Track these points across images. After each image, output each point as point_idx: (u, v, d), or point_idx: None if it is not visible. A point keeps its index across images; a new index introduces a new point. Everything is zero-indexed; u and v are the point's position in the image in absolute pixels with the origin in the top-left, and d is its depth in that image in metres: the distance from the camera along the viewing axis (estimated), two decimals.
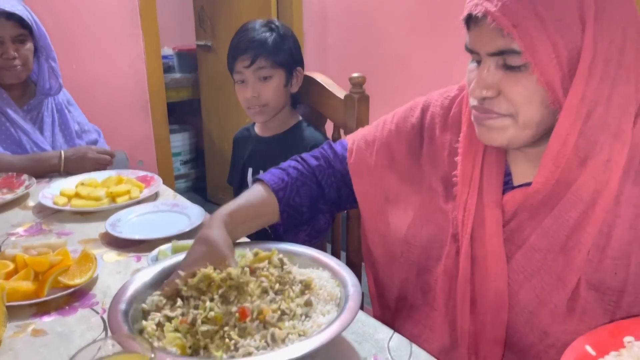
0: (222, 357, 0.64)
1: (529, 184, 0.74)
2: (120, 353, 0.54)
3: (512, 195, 0.75)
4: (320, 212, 0.94)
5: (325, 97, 1.39)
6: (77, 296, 0.89)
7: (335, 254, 1.43)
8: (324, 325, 0.70)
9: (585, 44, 0.64)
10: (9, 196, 1.31)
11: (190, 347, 0.66)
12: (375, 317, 0.95)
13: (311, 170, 0.93)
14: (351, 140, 0.96)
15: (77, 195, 1.30)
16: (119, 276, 0.96)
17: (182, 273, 0.75)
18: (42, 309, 0.86)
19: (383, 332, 0.78)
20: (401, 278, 0.86)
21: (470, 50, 0.73)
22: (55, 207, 1.24)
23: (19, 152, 1.56)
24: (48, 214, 1.25)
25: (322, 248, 1.39)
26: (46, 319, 0.83)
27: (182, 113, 3.74)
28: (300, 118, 1.43)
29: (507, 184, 0.78)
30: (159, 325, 0.69)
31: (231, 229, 0.84)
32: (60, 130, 1.70)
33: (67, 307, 0.86)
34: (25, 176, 1.41)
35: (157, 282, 0.80)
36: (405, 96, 1.01)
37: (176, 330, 0.67)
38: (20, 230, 1.17)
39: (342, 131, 1.39)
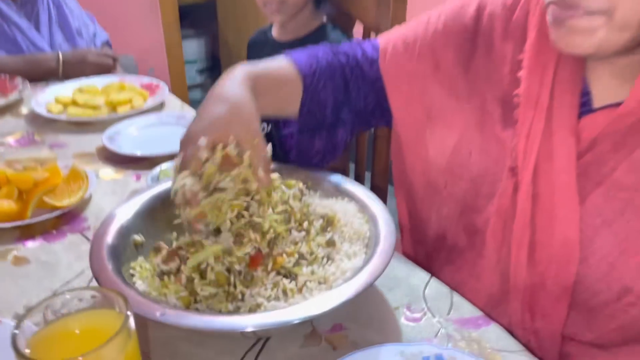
0: (227, 307, 0.53)
1: (616, 105, 0.57)
2: (90, 308, 0.42)
3: (592, 120, 0.59)
4: (342, 122, 0.78)
5: None
6: (66, 219, 0.78)
7: (359, 176, 1.31)
8: (349, 272, 0.57)
9: None
10: (0, 101, 1.18)
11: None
12: (405, 253, 0.83)
13: (341, 66, 0.76)
14: (385, 40, 0.77)
15: (74, 103, 1.17)
16: (115, 197, 0.85)
17: (203, 141, 0.57)
18: (26, 233, 0.75)
19: (418, 276, 0.66)
20: (442, 214, 0.72)
21: None
22: (50, 115, 1.12)
23: (14, 52, 1.42)
24: (41, 123, 1.12)
25: (344, 169, 1.25)
26: (30, 244, 0.73)
27: (197, 18, 3.49)
28: (325, 20, 1.23)
29: (585, 106, 0.61)
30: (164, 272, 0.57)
31: (254, 97, 0.65)
32: (58, 27, 1.53)
33: (54, 232, 0.76)
34: (18, 79, 1.28)
35: (155, 208, 0.68)
36: None
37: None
38: (10, 140, 1.05)
39: (373, 35, 1.20)
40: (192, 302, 0.53)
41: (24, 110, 1.19)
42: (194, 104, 1.28)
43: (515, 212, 0.62)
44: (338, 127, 0.77)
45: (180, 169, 0.57)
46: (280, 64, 0.74)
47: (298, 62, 0.74)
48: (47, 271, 0.68)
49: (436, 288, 0.65)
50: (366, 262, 0.56)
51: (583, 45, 0.55)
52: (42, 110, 1.13)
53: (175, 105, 1.22)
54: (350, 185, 0.70)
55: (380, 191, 1.21)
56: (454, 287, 0.67)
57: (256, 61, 0.72)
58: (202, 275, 0.55)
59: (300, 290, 0.55)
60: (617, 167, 0.57)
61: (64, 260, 0.70)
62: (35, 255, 0.71)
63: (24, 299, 0.63)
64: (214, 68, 3.58)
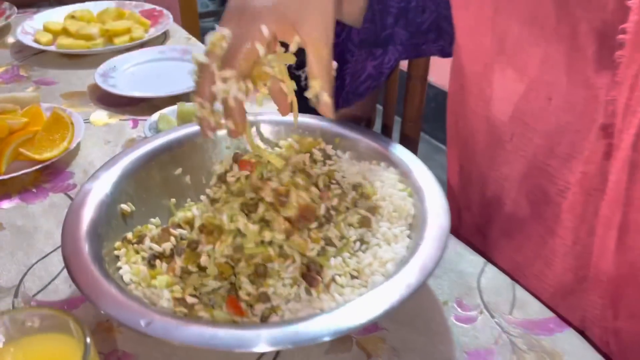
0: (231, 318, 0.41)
1: None
2: (43, 331, 0.31)
3: None
4: (395, 39, 0.63)
5: None
6: (47, 174, 0.66)
7: (387, 120, 1.17)
8: (390, 264, 0.45)
9: None
10: None
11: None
12: (452, 224, 0.70)
13: None
14: None
15: (65, 32, 1.02)
16: (108, 148, 0.72)
17: (265, 29, 0.43)
18: (0, 189, 0.64)
19: (470, 261, 0.54)
20: (503, 174, 0.58)
21: None
22: (37, 46, 0.97)
23: None
24: (28, 55, 0.98)
25: (370, 117, 1.11)
26: (5, 204, 0.62)
27: None
28: None
29: None
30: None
31: None
32: None
33: (33, 190, 0.64)
34: (6, 4, 1.12)
35: (149, 168, 0.55)
36: None
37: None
38: None
39: None
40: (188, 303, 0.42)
41: (10, 39, 1.04)
42: (205, 34, 1.12)
43: (605, 184, 0.48)
44: (389, 45, 0.63)
45: (224, 60, 0.43)
46: None
47: None
48: (22, 241, 0.57)
49: (494, 277, 0.52)
50: (413, 250, 0.44)
51: None
52: (28, 41, 0.99)
53: (181, 38, 1.07)
54: (387, 145, 0.56)
55: (410, 143, 1.07)
56: (513, 270, 0.55)
57: None
58: (201, 266, 0.43)
59: (327, 288, 0.42)
60: None
61: (43, 227, 0.58)
62: (10, 218, 0.60)
63: None
64: None
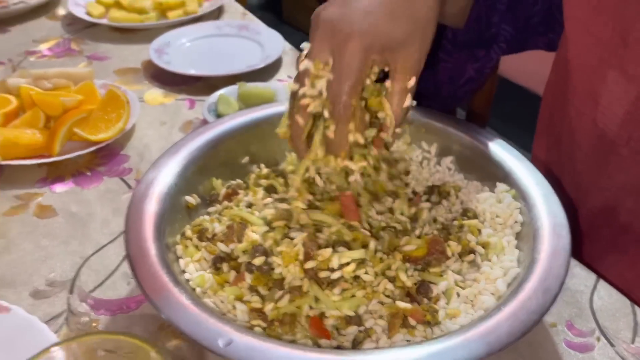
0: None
1: None
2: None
3: None
4: (500, 38, 0.55)
5: None
6: (102, 157, 0.62)
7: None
8: (500, 281, 0.38)
9: None
10: (33, 0, 1.00)
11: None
12: None
13: None
14: None
15: (117, 5, 0.97)
16: (164, 130, 0.67)
17: (356, 51, 0.37)
18: (54, 172, 0.60)
19: (578, 277, 0.47)
20: (618, 182, 0.50)
21: None
22: (89, 19, 0.93)
23: None
24: (80, 28, 0.94)
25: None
26: (58, 188, 0.58)
27: None
28: None
29: None
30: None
31: None
32: None
33: (88, 173, 0.60)
34: None
35: (215, 156, 0.50)
36: None
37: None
38: (43, 48, 0.88)
39: None
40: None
41: (61, 11, 1.00)
42: (253, 10, 1.06)
43: None
44: (493, 44, 0.55)
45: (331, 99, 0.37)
46: None
47: None
48: (76, 229, 0.52)
49: (608, 296, 0.45)
50: (529, 267, 0.37)
51: None
52: (80, 13, 0.94)
53: (236, 12, 1.01)
54: (485, 137, 0.49)
55: (480, 119, 0.99)
56: (626, 288, 0.47)
57: None
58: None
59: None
60: None
61: (99, 215, 0.54)
62: (64, 204, 0.55)
63: (46, 270, 0.48)
64: None
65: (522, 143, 0.93)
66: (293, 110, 0.39)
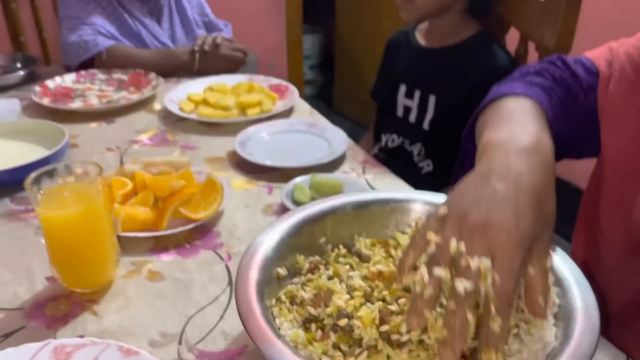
0: None
1: None
2: None
3: None
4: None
5: None
6: (198, 233, 0.74)
7: None
8: (540, 353, 0.46)
9: None
10: (135, 96, 1.19)
11: None
12: None
13: (561, 100, 0.62)
14: (604, 61, 0.63)
15: (205, 102, 1.15)
16: (248, 211, 0.79)
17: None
18: (160, 244, 0.72)
19: (611, 356, 0.54)
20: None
21: None
22: (181, 114, 1.10)
23: (140, 47, 1.43)
24: (173, 121, 1.11)
25: None
26: (164, 257, 0.69)
27: (314, 12, 3.46)
28: (480, 29, 1.10)
29: None
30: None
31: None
32: (179, 21, 1.54)
33: (187, 246, 0.72)
34: (152, 75, 1.29)
35: (299, 236, 0.60)
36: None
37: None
38: (144, 137, 1.04)
39: (531, 45, 1.06)
40: None
41: (157, 106, 1.19)
42: (307, 99, 1.22)
43: None
44: None
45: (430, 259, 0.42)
46: (528, 108, 0.56)
47: (541, 102, 0.58)
48: (181, 292, 0.63)
49: None
50: (563, 343, 0.45)
51: None
52: (174, 108, 1.12)
53: (305, 111, 1.16)
54: None
55: None
56: None
57: (510, 116, 0.55)
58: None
59: None
60: None
61: (198, 280, 0.65)
62: (170, 270, 0.67)
63: (158, 324, 0.58)
64: (326, 64, 3.55)
65: (564, 233, 1.00)
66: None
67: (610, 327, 0.62)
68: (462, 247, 0.42)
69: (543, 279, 0.43)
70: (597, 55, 0.64)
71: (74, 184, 0.61)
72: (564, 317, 0.48)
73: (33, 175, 0.59)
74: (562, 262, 0.54)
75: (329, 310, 0.49)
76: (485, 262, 0.41)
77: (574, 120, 0.62)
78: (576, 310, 0.48)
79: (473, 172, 0.47)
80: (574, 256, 0.71)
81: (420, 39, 1.16)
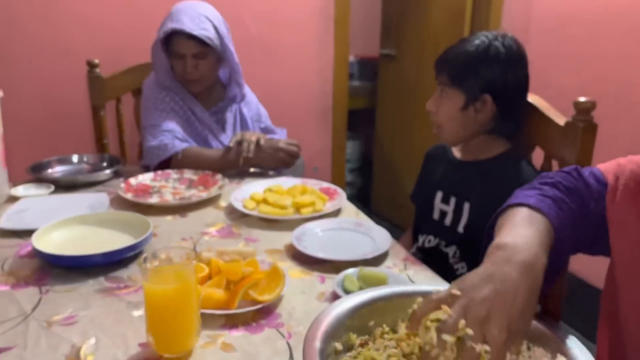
0: None
1: None
2: None
3: None
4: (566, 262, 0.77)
5: (537, 122, 1.21)
6: (263, 313, 0.86)
7: None
8: None
9: None
10: (204, 194, 1.37)
11: None
12: None
13: (574, 210, 0.74)
14: (612, 175, 0.76)
15: (265, 201, 1.31)
16: (304, 297, 0.92)
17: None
18: (231, 321, 0.84)
19: None
20: None
21: None
22: (245, 210, 1.27)
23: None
24: (237, 216, 1.27)
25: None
26: (234, 333, 0.82)
27: (355, 121, 3.75)
28: (509, 147, 1.25)
29: None
30: None
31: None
32: (240, 127, 1.78)
33: (253, 324, 0.84)
34: (219, 176, 1.48)
35: (352, 318, 0.72)
36: (626, 124, 0.79)
37: None
38: (212, 230, 1.20)
39: (554, 163, 1.20)
40: None
41: (223, 203, 1.36)
42: None
43: None
44: (562, 269, 0.77)
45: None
46: (536, 220, 0.69)
47: (550, 217, 0.70)
48: (249, 359, 0.75)
49: None
50: None
51: None
52: (239, 205, 1.29)
53: (351, 212, 1.31)
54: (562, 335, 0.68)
55: (553, 315, 1.14)
56: None
57: (520, 225, 0.69)
58: None
59: None
60: None
61: (263, 354, 0.77)
62: (239, 344, 0.79)
63: None
64: (364, 168, 3.77)
65: (589, 333, 1.06)
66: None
67: None
68: (470, 331, 0.56)
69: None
70: (607, 168, 0.77)
71: (174, 265, 0.75)
72: None
73: (144, 255, 0.74)
74: (578, 351, 0.63)
75: None
76: (486, 347, 0.55)
77: (586, 224, 0.74)
78: None
79: (481, 268, 0.62)
80: (600, 354, 0.79)
81: (456, 152, 1.33)
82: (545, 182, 0.77)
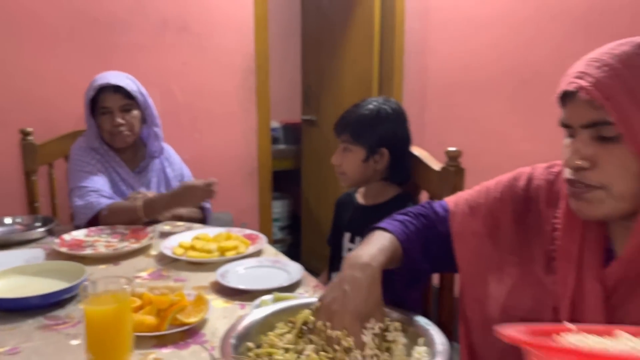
0: None
1: None
2: None
3: (612, 269, 0.76)
4: (425, 272, 0.98)
5: (421, 169, 1.47)
6: (190, 333, 1.00)
7: None
8: None
9: None
10: (136, 245, 1.50)
11: None
12: None
13: (422, 228, 0.97)
14: (453, 203, 1.00)
15: (193, 248, 1.46)
16: (225, 320, 1.07)
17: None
18: (162, 341, 0.97)
19: None
20: (500, 348, 0.87)
21: (565, 125, 0.78)
22: (174, 256, 1.40)
23: None
24: (167, 262, 1.41)
25: None
26: (164, 350, 0.95)
27: (283, 182, 3.98)
28: (401, 191, 1.50)
29: (611, 259, 0.78)
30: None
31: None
32: (165, 189, 1.92)
33: (181, 342, 0.98)
34: (150, 228, 1.61)
35: (266, 324, 0.89)
36: (502, 171, 1.05)
37: None
38: (144, 274, 1.33)
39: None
40: None
41: (154, 252, 1.49)
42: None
43: None
44: (423, 276, 0.98)
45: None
46: (383, 237, 0.93)
47: (395, 232, 0.94)
48: None
49: None
50: None
51: (594, 212, 0.75)
52: (168, 252, 1.42)
53: (271, 252, 1.49)
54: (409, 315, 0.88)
55: (445, 327, 1.35)
56: None
57: (368, 242, 0.92)
58: None
59: None
60: (632, 308, 0.73)
61: None
62: (169, 357, 0.92)
63: None
64: (294, 226, 3.96)
65: None
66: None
67: None
68: (329, 324, 0.79)
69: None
70: (450, 198, 1.02)
71: (112, 290, 0.89)
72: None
73: (85, 283, 0.87)
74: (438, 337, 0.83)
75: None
76: (338, 332, 0.78)
77: (436, 241, 0.97)
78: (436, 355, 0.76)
79: (336, 277, 0.86)
80: (462, 350, 0.99)
81: (360, 198, 1.56)
82: (399, 212, 1.01)
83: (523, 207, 0.90)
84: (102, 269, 1.37)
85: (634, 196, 0.72)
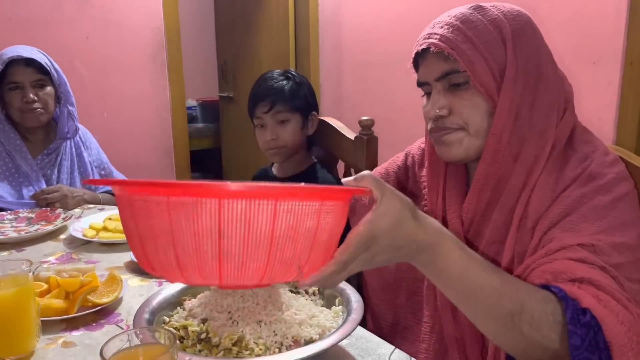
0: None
1: None
2: (144, 344, 0.61)
3: (466, 203, 0.84)
4: None
5: (337, 139, 1.49)
6: (103, 314, 0.97)
7: None
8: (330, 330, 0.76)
9: (508, 59, 0.79)
10: (49, 227, 1.41)
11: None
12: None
13: None
14: (383, 170, 1.09)
15: (105, 229, 1.40)
16: (142, 298, 1.03)
17: None
18: (72, 324, 0.93)
19: (384, 347, 0.84)
20: (395, 304, 0.92)
21: (421, 83, 0.89)
22: (85, 238, 1.34)
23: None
24: (78, 245, 1.34)
25: None
26: (75, 333, 0.91)
27: (204, 161, 3.89)
28: (315, 160, 1.53)
29: None
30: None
31: None
32: (78, 173, 1.80)
33: (94, 324, 0.94)
34: (60, 210, 1.52)
35: (177, 297, 0.87)
36: (414, 139, 1.11)
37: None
38: (52, 258, 1.26)
39: (352, 171, 1.48)
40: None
41: (62, 236, 1.41)
42: None
43: None
44: None
45: None
46: None
47: None
48: (90, 351, 0.85)
49: (398, 355, 0.82)
50: (340, 326, 0.75)
51: (456, 152, 0.85)
52: (78, 235, 1.36)
53: None
54: None
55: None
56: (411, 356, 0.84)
57: None
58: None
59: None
60: (485, 230, 0.81)
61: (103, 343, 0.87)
62: (80, 340, 0.88)
63: None
64: None
65: None
66: None
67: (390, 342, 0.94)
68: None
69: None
70: (377, 169, 1.07)
71: (11, 274, 0.84)
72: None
73: None
74: (349, 290, 0.86)
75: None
76: None
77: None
78: (351, 312, 0.79)
79: None
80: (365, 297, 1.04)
81: (276, 172, 1.56)
82: None
83: (404, 175, 1.03)
84: (4, 255, 1.28)
85: (487, 132, 0.80)
